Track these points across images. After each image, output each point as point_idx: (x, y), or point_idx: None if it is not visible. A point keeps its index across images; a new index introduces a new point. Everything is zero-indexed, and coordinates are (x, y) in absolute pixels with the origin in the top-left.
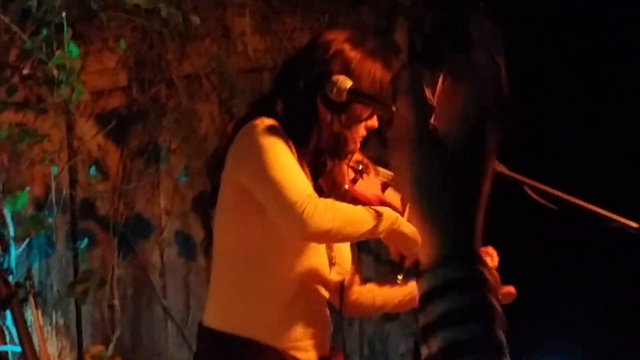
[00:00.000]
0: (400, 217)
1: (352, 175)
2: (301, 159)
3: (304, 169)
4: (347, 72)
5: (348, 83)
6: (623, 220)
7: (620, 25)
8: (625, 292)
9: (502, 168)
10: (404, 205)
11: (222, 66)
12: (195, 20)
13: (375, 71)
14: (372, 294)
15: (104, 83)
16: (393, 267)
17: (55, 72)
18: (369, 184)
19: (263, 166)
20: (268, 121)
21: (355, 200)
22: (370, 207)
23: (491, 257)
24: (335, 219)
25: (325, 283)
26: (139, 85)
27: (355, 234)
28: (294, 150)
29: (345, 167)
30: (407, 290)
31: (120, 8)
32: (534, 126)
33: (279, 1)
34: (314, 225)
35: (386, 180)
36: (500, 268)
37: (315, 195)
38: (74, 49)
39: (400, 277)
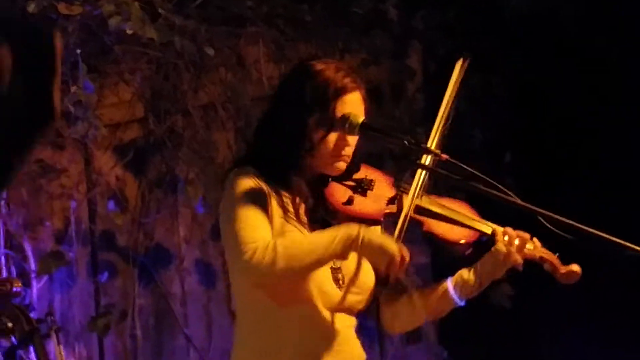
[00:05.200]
0: (365, 229)
1: (347, 194)
2: (294, 189)
3: (298, 196)
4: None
5: (360, 118)
6: (637, 247)
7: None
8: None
9: (515, 199)
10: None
11: (237, 95)
12: (210, 51)
13: (326, 71)
14: (403, 299)
15: (120, 115)
16: (379, 282)
17: (71, 107)
18: (374, 200)
19: (224, 219)
20: (242, 171)
21: (353, 220)
22: (330, 228)
23: (534, 245)
24: (277, 258)
25: (336, 308)
26: (155, 117)
27: (308, 264)
28: (269, 192)
29: (337, 187)
30: (441, 287)
31: (134, 42)
32: (550, 156)
33: (292, 29)
34: (254, 270)
35: (399, 189)
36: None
37: (260, 242)
38: (89, 85)
39: (382, 292)
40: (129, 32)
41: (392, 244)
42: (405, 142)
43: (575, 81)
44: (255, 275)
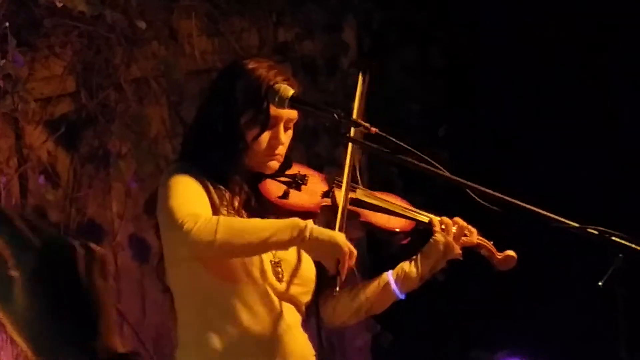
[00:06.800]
0: (312, 224)
1: (282, 189)
2: (231, 186)
3: (236, 193)
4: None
5: (290, 91)
6: (564, 220)
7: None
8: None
9: (444, 172)
10: (343, 210)
11: (170, 69)
12: (141, 24)
13: (259, 69)
14: (343, 293)
15: (51, 89)
16: (329, 280)
17: (0, 81)
18: (309, 194)
19: (161, 201)
20: (180, 164)
21: (290, 213)
22: (278, 219)
23: (470, 232)
24: (218, 231)
25: (274, 302)
26: (87, 91)
27: (248, 244)
28: (207, 186)
29: (271, 183)
30: (381, 281)
31: (65, 15)
32: (476, 129)
33: (225, 2)
34: (193, 239)
35: (332, 183)
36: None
37: (201, 214)
38: (18, 58)
39: (337, 289)
40: (59, 4)
41: (341, 238)
42: (335, 115)
43: (513, 53)
44: (195, 246)
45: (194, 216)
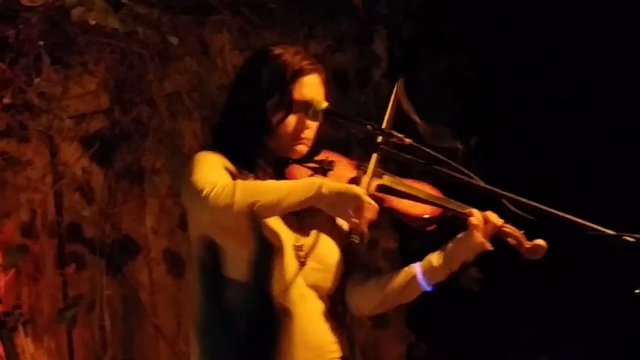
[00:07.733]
0: (327, 180)
1: (307, 173)
2: (257, 170)
3: (262, 177)
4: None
5: (324, 104)
6: (600, 228)
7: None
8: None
9: (479, 182)
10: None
11: (203, 84)
12: (174, 40)
13: (284, 54)
14: (371, 283)
15: (85, 106)
16: (350, 234)
17: (35, 99)
18: (334, 178)
19: (185, 181)
20: (205, 150)
21: None
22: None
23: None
24: (236, 193)
25: (295, 285)
26: (120, 107)
27: (266, 204)
28: (233, 171)
29: (297, 168)
30: (408, 272)
31: (98, 32)
32: (505, 138)
33: (256, 16)
34: (212, 204)
35: (361, 170)
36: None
37: (220, 181)
38: (52, 76)
39: (357, 238)
40: (92, 22)
41: (359, 188)
42: (369, 127)
43: (543, 63)
44: (214, 210)
45: (212, 183)
